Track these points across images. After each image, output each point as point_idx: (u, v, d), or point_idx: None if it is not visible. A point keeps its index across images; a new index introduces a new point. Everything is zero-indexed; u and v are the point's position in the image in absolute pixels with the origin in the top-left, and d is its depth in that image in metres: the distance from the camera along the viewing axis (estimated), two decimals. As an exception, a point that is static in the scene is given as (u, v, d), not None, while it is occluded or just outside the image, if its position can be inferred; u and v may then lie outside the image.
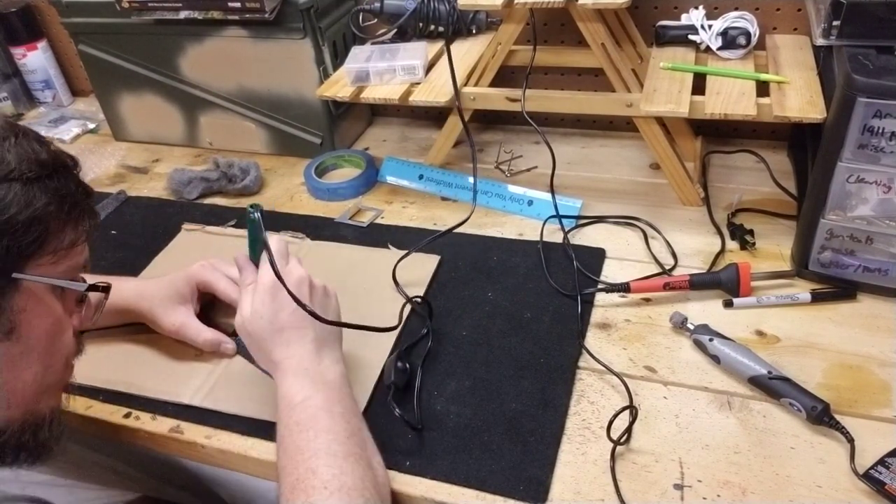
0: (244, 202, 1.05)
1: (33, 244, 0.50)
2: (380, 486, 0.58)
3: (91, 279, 0.58)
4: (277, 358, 0.63)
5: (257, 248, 0.67)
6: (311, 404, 0.60)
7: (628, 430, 0.64)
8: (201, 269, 0.76)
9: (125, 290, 0.76)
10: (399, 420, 0.66)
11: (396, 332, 0.76)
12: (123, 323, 0.78)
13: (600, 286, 0.81)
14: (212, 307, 0.80)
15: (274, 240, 0.66)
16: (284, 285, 0.61)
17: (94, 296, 0.58)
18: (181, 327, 0.74)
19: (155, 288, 0.76)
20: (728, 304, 0.77)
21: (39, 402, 0.54)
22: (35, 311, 0.51)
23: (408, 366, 0.72)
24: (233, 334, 0.76)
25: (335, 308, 0.68)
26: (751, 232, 0.87)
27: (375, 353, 0.74)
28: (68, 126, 1.34)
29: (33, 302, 0.51)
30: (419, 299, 0.81)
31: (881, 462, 0.59)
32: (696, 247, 0.87)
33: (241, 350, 0.75)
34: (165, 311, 0.75)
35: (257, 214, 0.65)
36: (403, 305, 0.79)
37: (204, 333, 0.75)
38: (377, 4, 1.05)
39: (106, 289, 0.59)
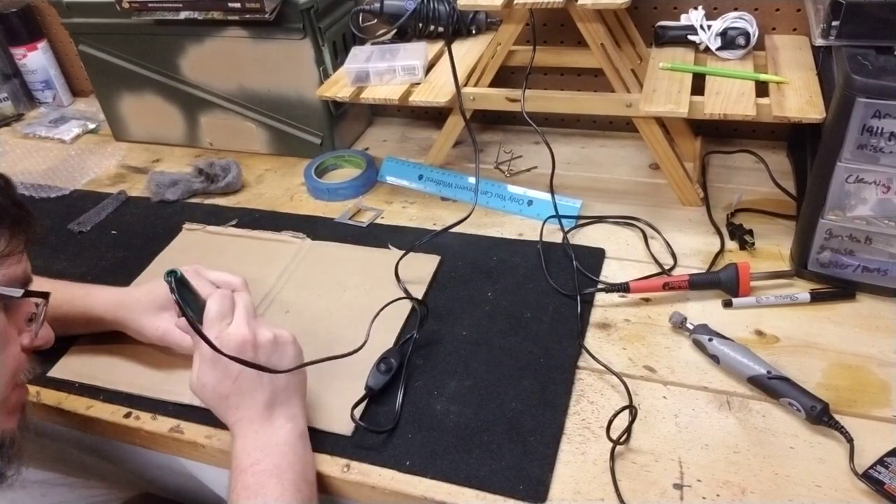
0: (234, 200, 1.05)
1: None
2: None
3: (50, 284, 0.57)
4: (229, 421, 0.62)
5: (194, 309, 0.63)
6: (260, 469, 0.58)
7: (628, 430, 0.64)
8: (184, 274, 0.75)
9: (101, 298, 0.75)
10: (364, 428, 0.66)
11: (397, 330, 0.77)
12: (100, 331, 0.77)
13: (600, 286, 0.81)
14: None
15: (214, 300, 0.63)
16: (221, 350, 0.59)
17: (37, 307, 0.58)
18: (165, 333, 0.72)
19: (136, 296, 0.75)
20: (727, 304, 0.78)
21: None
22: None
23: (393, 365, 0.71)
24: None
25: (292, 356, 0.64)
26: (750, 232, 0.87)
27: (377, 352, 0.74)
28: (69, 126, 1.34)
29: None
30: (417, 301, 0.81)
31: (880, 462, 0.59)
32: (695, 247, 0.87)
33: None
34: (148, 318, 0.73)
35: (172, 279, 0.61)
36: (374, 318, 0.76)
37: (189, 339, 0.72)
38: (377, 5, 1.05)
39: (45, 295, 0.58)
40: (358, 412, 0.68)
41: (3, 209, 0.54)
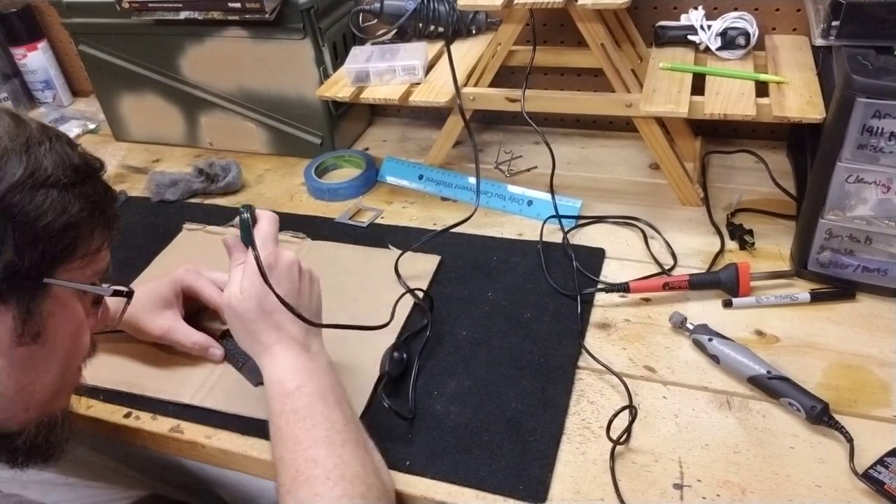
0: (233, 200, 1.05)
1: (66, 250, 0.50)
2: (379, 471, 0.58)
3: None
4: (267, 341, 0.62)
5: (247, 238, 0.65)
6: (306, 392, 0.59)
7: (628, 430, 0.64)
8: (186, 273, 0.76)
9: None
10: (393, 411, 0.67)
11: (397, 329, 0.77)
12: (101, 331, 0.77)
13: (600, 286, 0.81)
14: (197, 315, 0.79)
15: (265, 218, 0.65)
16: (273, 291, 0.60)
17: (117, 300, 0.59)
18: (169, 331, 0.74)
19: (138, 294, 0.74)
20: (727, 304, 0.78)
21: (53, 404, 0.55)
22: (61, 316, 0.52)
23: (405, 356, 0.72)
24: (221, 338, 0.76)
25: (318, 294, 0.67)
26: (750, 232, 0.87)
27: (378, 351, 0.73)
28: (69, 126, 1.34)
29: (60, 306, 0.52)
30: (421, 292, 0.81)
31: (880, 462, 0.59)
32: (695, 247, 0.87)
33: (229, 356, 0.75)
34: (150, 316, 0.74)
35: (247, 215, 0.64)
36: (397, 301, 0.79)
37: (193, 336, 0.74)
38: (377, 5, 1.05)
39: (129, 294, 0.60)
40: (360, 408, 0.68)
41: (97, 205, 0.53)
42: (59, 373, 0.54)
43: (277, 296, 0.61)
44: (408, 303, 0.81)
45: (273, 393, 0.61)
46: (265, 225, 0.64)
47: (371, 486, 0.55)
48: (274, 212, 0.65)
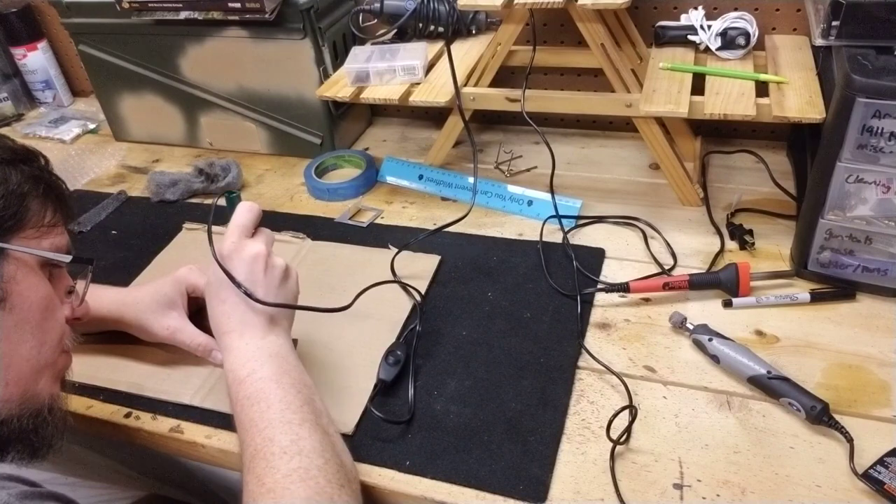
0: None
1: (14, 217, 0.53)
2: (339, 452, 0.58)
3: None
4: (223, 329, 0.63)
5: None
6: (258, 377, 0.60)
7: (628, 430, 0.64)
8: (189, 272, 0.76)
9: (104, 298, 0.75)
10: (387, 417, 0.67)
11: (398, 328, 0.77)
12: (104, 331, 0.77)
13: (600, 286, 0.81)
14: (199, 313, 0.79)
15: (240, 208, 0.66)
16: (221, 266, 0.63)
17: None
18: (175, 332, 0.73)
19: (140, 295, 0.75)
20: (727, 304, 0.78)
21: (38, 383, 0.55)
22: (25, 283, 0.54)
23: (400, 359, 0.72)
24: None
25: (292, 291, 0.67)
26: (750, 232, 0.87)
27: (379, 352, 0.73)
28: (69, 126, 1.34)
29: (23, 273, 0.53)
30: (418, 293, 0.81)
31: (880, 462, 0.59)
32: (695, 247, 0.87)
33: None
34: (156, 317, 0.74)
35: (218, 202, 0.66)
36: (367, 288, 0.80)
37: (198, 338, 0.74)
38: (377, 5, 1.05)
39: (90, 261, 0.61)
40: (361, 408, 0.68)
41: (48, 183, 0.57)
42: (36, 346, 0.54)
43: (225, 271, 0.62)
44: (406, 305, 0.81)
45: (228, 381, 0.61)
46: (237, 215, 0.66)
47: (328, 460, 0.55)
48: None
